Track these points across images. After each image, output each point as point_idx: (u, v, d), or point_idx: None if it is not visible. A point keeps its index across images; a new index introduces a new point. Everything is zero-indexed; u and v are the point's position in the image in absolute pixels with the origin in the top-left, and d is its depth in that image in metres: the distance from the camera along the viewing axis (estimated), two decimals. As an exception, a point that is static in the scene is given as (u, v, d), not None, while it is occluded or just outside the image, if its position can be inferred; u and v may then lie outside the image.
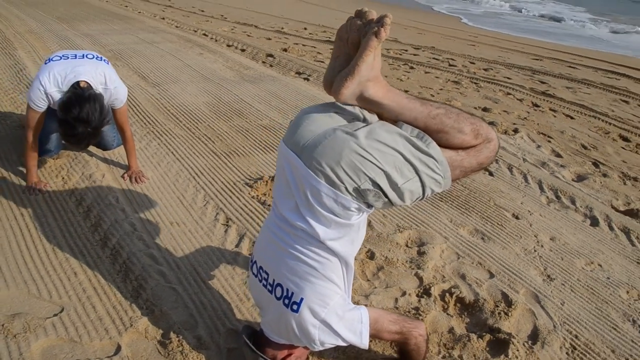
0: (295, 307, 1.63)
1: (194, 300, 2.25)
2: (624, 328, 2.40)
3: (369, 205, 1.55)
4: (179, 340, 2.01)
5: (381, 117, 1.61)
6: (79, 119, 2.65)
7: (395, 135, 1.49)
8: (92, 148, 3.52)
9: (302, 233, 1.58)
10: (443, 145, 1.54)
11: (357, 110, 1.59)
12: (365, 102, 1.54)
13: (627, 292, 2.69)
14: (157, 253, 2.54)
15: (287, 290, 1.64)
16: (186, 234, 2.73)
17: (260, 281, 1.75)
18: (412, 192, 1.52)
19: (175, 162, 3.53)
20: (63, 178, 3.16)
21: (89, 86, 2.88)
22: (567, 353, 2.20)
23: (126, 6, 10.65)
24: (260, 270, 1.75)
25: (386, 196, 1.50)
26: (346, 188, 1.48)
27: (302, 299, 1.62)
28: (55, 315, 2.08)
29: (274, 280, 1.69)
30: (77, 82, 2.86)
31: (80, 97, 2.73)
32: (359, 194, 1.49)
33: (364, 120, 1.58)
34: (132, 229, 2.70)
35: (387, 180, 1.47)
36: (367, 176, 1.46)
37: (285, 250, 1.64)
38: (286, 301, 1.65)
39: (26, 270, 2.32)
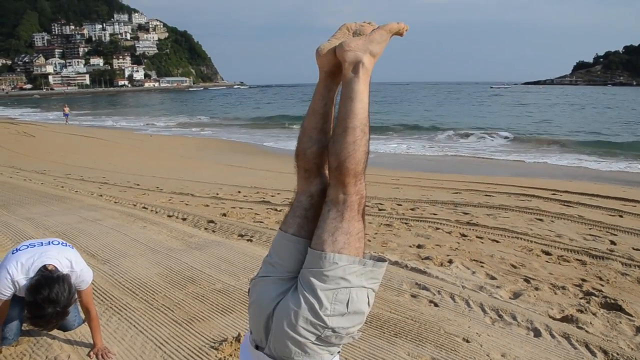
0: None
1: None
2: None
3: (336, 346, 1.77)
4: None
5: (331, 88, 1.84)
6: (49, 299, 2.80)
7: (312, 280, 1.67)
8: (53, 330, 3.56)
9: None
10: (339, 160, 1.67)
11: (291, 264, 1.82)
12: (353, 65, 1.73)
13: (579, 393, 2.94)
14: None
15: None
16: (162, 405, 2.78)
17: None
18: (362, 301, 1.71)
19: (138, 334, 3.61)
20: (27, 366, 3.16)
21: (56, 269, 3.05)
22: None
23: (62, 187, 10.85)
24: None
25: (347, 328, 1.71)
26: (312, 342, 1.70)
27: None
28: None
29: None
30: (44, 266, 3.04)
31: (49, 278, 2.91)
32: (323, 341, 1.72)
33: (297, 272, 1.81)
34: (107, 409, 2.73)
35: (337, 317, 1.68)
36: (322, 325, 1.67)
37: None
38: None
39: None
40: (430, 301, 4.28)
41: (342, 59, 1.76)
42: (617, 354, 3.39)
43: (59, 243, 3.34)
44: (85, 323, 3.49)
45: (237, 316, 3.92)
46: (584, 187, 10.78)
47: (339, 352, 1.85)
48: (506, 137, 24.58)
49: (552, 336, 3.65)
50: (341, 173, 1.68)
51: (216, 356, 3.31)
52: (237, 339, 3.48)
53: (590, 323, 3.83)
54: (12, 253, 3.21)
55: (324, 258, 1.67)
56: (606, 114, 42.20)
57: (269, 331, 1.75)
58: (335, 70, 1.82)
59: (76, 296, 3.12)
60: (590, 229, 7.00)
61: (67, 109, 39.91)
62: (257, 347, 1.88)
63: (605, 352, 3.43)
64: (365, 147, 1.69)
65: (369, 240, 6.12)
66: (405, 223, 7.23)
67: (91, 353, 3.32)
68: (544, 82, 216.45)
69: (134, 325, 3.76)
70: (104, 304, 4.14)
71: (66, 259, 3.18)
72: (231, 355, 3.30)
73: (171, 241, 6.14)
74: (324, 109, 1.87)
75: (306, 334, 1.68)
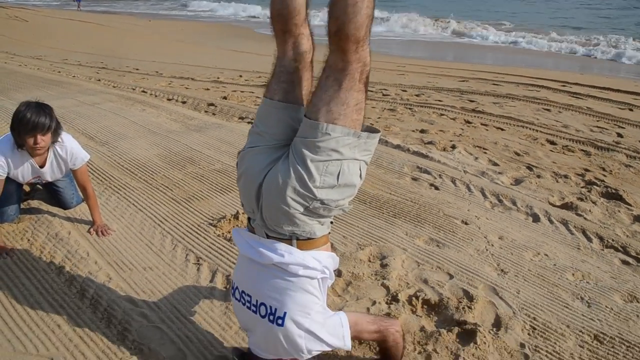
0: (280, 321, 1.76)
1: (179, 335, 2.34)
2: (574, 305, 2.66)
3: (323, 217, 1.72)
4: (171, 373, 2.09)
5: None
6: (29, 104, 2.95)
7: (303, 151, 1.59)
8: (53, 208, 3.57)
9: (274, 266, 1.75)
10: (338, 24, 1.49)
11: (279, 131, 1.75)
12: None
13: (573, 274, 2.98)
14: (136, 297, 2.62)
15: (271, 307, 1.78)
16: (160, 276, 2.82)
17: (244, 304, 1.88)
18: (354, 173, 1.64)
19: (137, 212, 3.62)
20: (29, 240, 3.18)
21: None
22: (528, 334, 2.43)
23: (59, 72, 10.60)
24: (243, 294, 1.88)
25: (336, 200, 1.66)
26: (300, 212, 1.65)
27: (285, 313, 1.75)
28: (45, 367, 2.13)
29: (257, 301, 1.82)
30: None
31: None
32: (312, 212, 1.67)
33: (286, 140, 1.74)
34: (107, 279, 2.77)
35: (326, 190, 1.62)
36: (311, 197, 1.62)
37: (263, 271, 1.79)
38: (271, 317, 1.78)
39: (8, 330, 2.35)
40: (431, 184, 4.25)
41: None
42: (613, 240, 3.40)
43: None
44: (84, 202, 3.48)
45: (235, 195, 3.91)
46: (595, 80, 10.48)
47: (331, 222, 1.80)
48: (515, 27, 23.55)
49: (551, 222, 3.66)
50: (340, 39, 1.52)
51: (214, 232, 3.33)
52: (236, 216, 3.48)
53: (590, 211, 3.83)
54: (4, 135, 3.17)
55: (316, 128, 1.57)
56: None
57: (259, 200, 1.70)
58: None
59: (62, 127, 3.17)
60: (597, 121, 6.86)
61: None
62: (249, 220, 1.85)
63: (601, 238, 3.44)
64: (368, 9, 1.50)
65: (371, 125, 5.99)
66: (409, 108, 7.10)
67: (91, 230, 3.34)
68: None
69: (133, 204, 3.76)
70: (103, 184, 4.12)
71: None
72: (229, 232, 3.32)
73: (170, 123, 6.05)
74: None
75: (294, 205, 1.62)
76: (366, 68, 1.58)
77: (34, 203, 3.68)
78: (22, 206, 3.54)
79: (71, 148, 3.22)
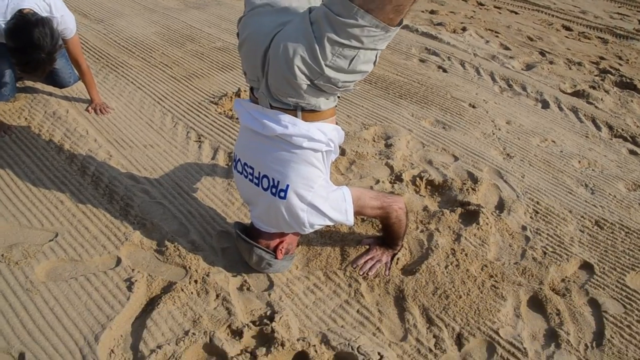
0: (282, 194, 1.73)
1: (182, 211, 2.34)
2: (578, 192, 2.65)
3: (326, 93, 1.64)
4: (174, 247, 2.11)
5: None
6: (31, 44, 2.58)
7: (325, 28, 1.47)
8: (49, 87, 3.46)
9: (277, 137, 1.69)
10: None
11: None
12: None
13: (579, 161, 2.94)
14: (138, 174, 2.59)
15: (273, 179, 1.74)
16: (162, 154, 2.78)
17: (246, 177, 1.84)
18: (368, 60, 1.55)
19: (136, 90, 3.51)
20: (26, 119, 3.10)
21: (34, 12, 2.77)
22: (530, 217, 2.43)
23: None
24: (245, 166, 1.84)
25: (344, 82, 1.56)
26: (306, 84, 1.56)
27: (287, 186, 1.71)
28: (51, 240, 2.13)
29: (259, 173, 1.78)
30: (20, 10, 2.74)
31: (27, 22, 2.63)
32: (315, 86, 1.57)
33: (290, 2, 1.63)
34: (107, 156, 2.73)
35: (335, 71, 1.52)
36: (318, 72, 1.52)
37: (266, 142, 1.73)
38: (273, 190, 1.74)
39: (12, 205, 2.34)
40: (439, 67, 4.10)
41: None
42: (622, 129, 3.34)
43: None
44: (81, 81, 3.35)
45: (237, 73, 3.79)
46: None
47: (338, 96, 1.72)
48: None
49: (560, 109, 3.57)
50: None
51: (216, 110, 3.25)
52: (237, 94, 3.39)
53: (601, 99, 3.72)
54: None
55: (347, 8, 1.43)
56: None
57: (265, 67, 1.60)
58: None
59: (61, 42, 2.87)
60: (619, 7, 6.52)
61: None
62: (251, 90, 1.76)
63: (610, 127, 3.37)
64: None
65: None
66: (420, -10, 6.74)
67: (89, 108, 3.25)
68: None
69: (132, 82, 3.64)
70: (100, 62, 3.97)
71: (44, 3, 2.86)
72: (231, 110, 3.24)
73: (168, 1, 5.74)
74: None
75: (301, 75, 1.53)
76: None
77: (29, 82, 3.56)
78: (17, 85, 3.41)
79: (60, 17, 2.96)
